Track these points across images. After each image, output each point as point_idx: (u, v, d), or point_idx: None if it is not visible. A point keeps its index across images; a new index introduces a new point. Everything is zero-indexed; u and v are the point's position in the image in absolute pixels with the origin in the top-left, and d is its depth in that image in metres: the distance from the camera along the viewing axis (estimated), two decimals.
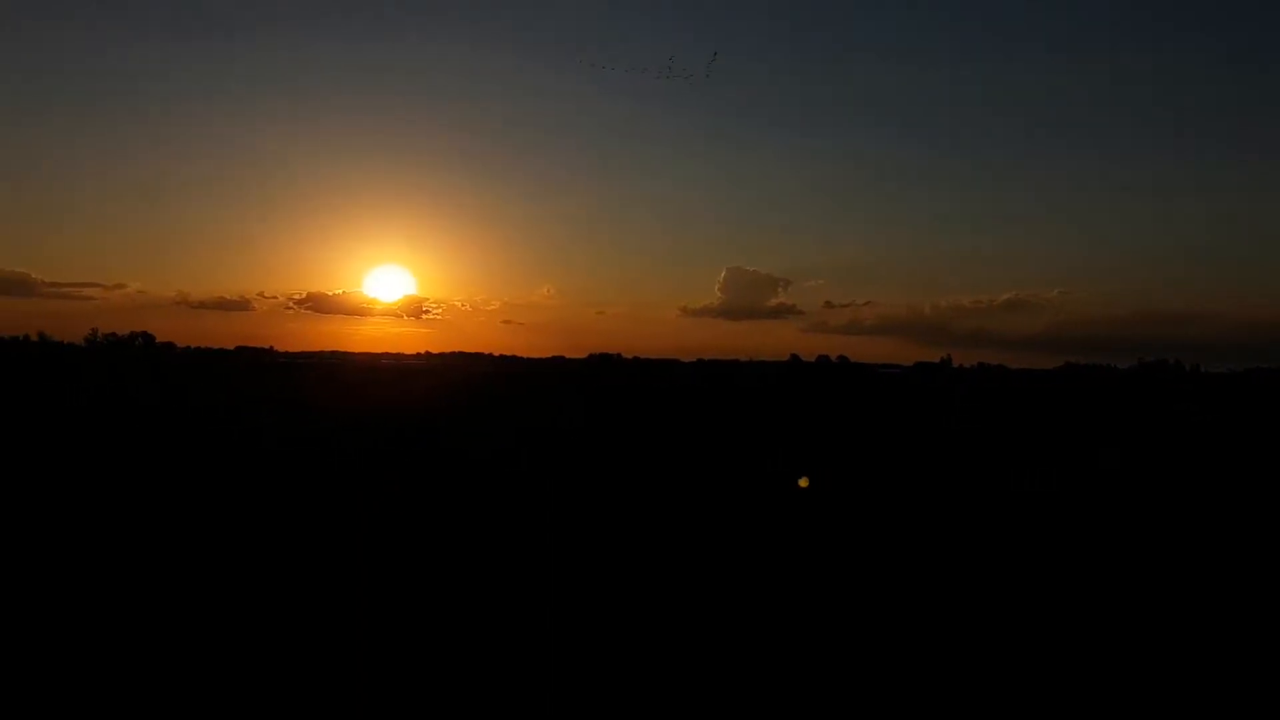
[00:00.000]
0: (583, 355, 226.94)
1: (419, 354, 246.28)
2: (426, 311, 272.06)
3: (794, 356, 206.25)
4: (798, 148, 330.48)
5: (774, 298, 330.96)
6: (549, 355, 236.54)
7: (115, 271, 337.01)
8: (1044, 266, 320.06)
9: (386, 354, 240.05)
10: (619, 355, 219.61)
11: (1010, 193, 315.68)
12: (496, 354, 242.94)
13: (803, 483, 14.19)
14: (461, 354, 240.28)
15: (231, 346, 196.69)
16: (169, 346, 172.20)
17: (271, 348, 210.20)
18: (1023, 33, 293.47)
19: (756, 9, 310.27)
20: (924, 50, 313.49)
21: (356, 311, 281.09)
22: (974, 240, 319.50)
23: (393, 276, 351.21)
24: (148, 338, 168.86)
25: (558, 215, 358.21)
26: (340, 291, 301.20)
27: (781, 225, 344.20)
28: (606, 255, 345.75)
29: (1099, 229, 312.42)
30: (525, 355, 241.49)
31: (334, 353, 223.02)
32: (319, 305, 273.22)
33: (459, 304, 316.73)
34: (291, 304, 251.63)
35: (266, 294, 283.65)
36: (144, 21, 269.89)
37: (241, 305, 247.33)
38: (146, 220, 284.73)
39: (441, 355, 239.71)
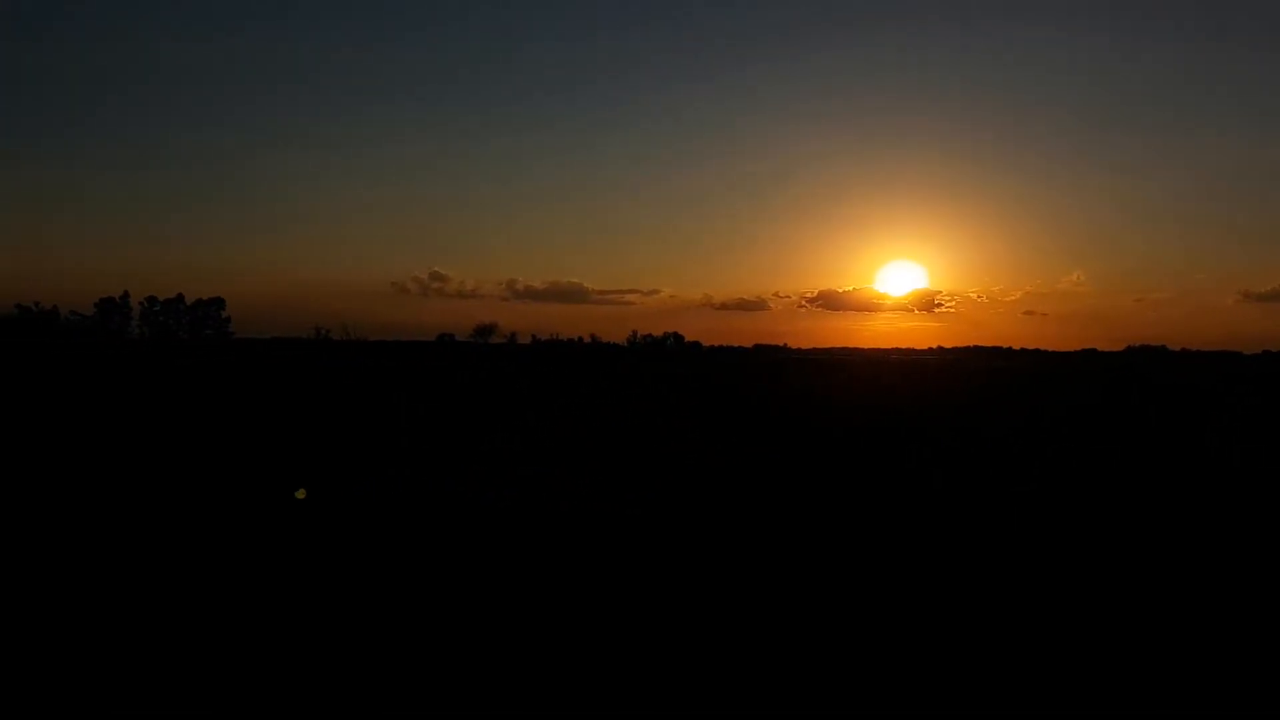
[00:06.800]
0: (1119, 348, 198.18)
1: (931, 348, 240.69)
2: (939, 305, 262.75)
3: None
4: None
5: None
6: (1078, 348, 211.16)
7: (651, 279, 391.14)
8: None
9: (896, 349, 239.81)
10: (1163, 347, 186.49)
11: None
12: (1016, 347, 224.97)
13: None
14: (977, 348, 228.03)
15: (749, 345, 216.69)
16: (696, 345, 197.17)
17: (785, 344, 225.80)
18: None
19: None
20: None
21: (866, 308, 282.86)
22: None
23: (903, 271, 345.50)
24: (678, 337, 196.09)
25: (1089, 194, 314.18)
26: (851, 289, 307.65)
27: None
28: (1149, 235, 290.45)
29: None
30: (1050, 349, 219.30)
31: (844, 349, 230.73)
32: (830, 302, 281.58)
33: (974, 295, 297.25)
34: (804, 302, 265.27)
35: (781, 293, 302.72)
36: (692, 55, 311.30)
37: (759, 305, 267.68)
38: (676, 231, 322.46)
39: (955, 350, 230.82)
